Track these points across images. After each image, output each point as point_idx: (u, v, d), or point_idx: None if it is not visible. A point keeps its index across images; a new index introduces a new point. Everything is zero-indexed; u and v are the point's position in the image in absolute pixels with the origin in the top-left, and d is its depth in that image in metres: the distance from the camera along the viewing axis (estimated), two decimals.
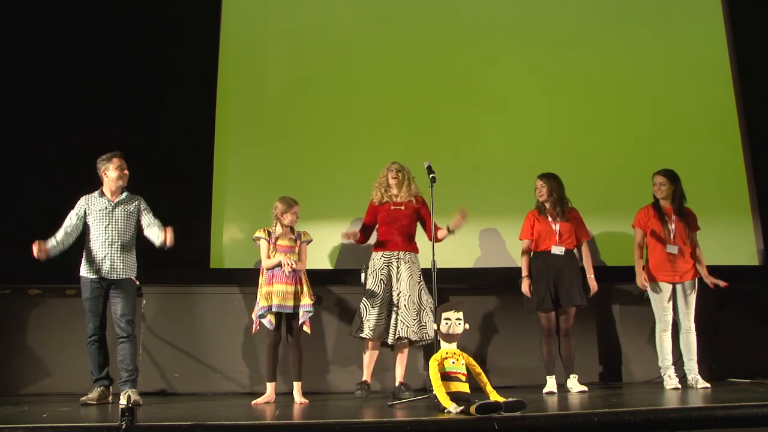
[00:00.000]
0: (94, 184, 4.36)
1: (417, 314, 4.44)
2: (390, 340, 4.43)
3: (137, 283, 4.30)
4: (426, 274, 4.37)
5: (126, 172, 4.31)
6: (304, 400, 4.03)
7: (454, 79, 5.71)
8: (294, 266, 4.11)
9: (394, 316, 4.43)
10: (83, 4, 5.53)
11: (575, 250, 4.75)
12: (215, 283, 5.12)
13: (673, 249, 4.66)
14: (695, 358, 4.63)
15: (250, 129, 5.54)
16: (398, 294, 4.46)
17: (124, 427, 2.76)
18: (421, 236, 4.72)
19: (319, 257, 5.24)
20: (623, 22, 5.96)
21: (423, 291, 4.53)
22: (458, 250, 5.30)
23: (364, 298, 4.51)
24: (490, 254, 5.41)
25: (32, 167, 5.23)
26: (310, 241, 4.37)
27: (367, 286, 4.52)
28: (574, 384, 4.48)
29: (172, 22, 5.59)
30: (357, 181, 5.21)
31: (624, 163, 5.62)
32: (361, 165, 5.27)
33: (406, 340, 4.42)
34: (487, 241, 5.43)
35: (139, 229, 4.32)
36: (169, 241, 4.11)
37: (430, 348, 4.60)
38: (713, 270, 4.82)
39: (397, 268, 4.51)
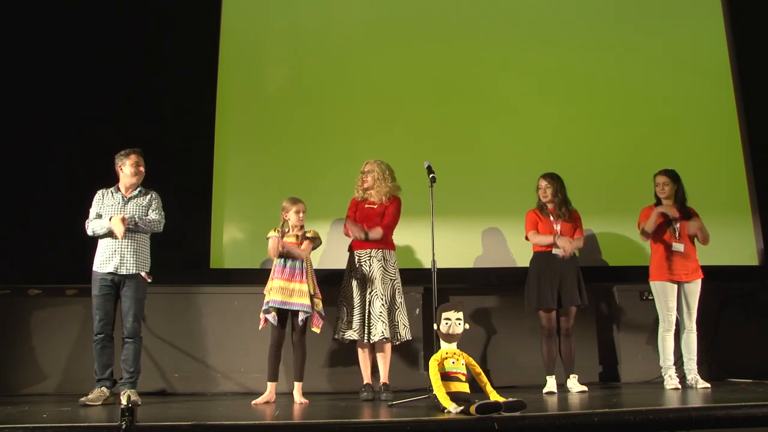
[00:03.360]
0: (93, 185, 4.35)
1: (390, 313, 4.39)
2: (367, 339, 4.38)
3: (149, 280, 4.21)
4: (426, 274, 4.36)
5: (141, 169, 4.28)
6: (304, 400, 4.03)
7: (455, 79, 5.72)
8: (294, 235, 4.15)
9: (368, 315, 4.39)
10: (83, 4, 5.54)
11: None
12: (215, 283, 5.12)
13: (679, 247, 4.64)
14: (695, 358, 4.63)
15: (250, 129, 5.55)
16: (371, 293, 4.42)
17: (124, 427, 2.76)
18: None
19: (320, 257, 5.24)
20: (623, 22, 5.97)
21: (397, 290, 4.48)
22: (458, 250, 5.30)
23: (342, 300, 4.47)
24: (491, 254, 5.41)
25: (31, 169, 5.23)
26: (315, 238, 4.27)
27: (343, 287, 4.50)
28: (574, 384, 4.48)
29: (172, 22, 5.59)
30: (357, 181, 5.21)
31: (624, 164, 5.63)
32: (361, 165, 5.26)
33: (383, 339, 4.36)
34: (487, 241, 5.43)
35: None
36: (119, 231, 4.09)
37: (430, 348, 4.60)
38: (713, 270, 4.82)
39: (370, 266, 4.47)
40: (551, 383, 4.50)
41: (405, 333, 4.44)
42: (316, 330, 4.20)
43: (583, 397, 4.20)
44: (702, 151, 5.73)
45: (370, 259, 4.49)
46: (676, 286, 4.66)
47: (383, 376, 4.41)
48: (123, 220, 4.07)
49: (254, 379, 4.84)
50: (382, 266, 4.46)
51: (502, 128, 5.67)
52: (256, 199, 5.19)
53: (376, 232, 4.48)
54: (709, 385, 4.47)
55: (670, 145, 5.68)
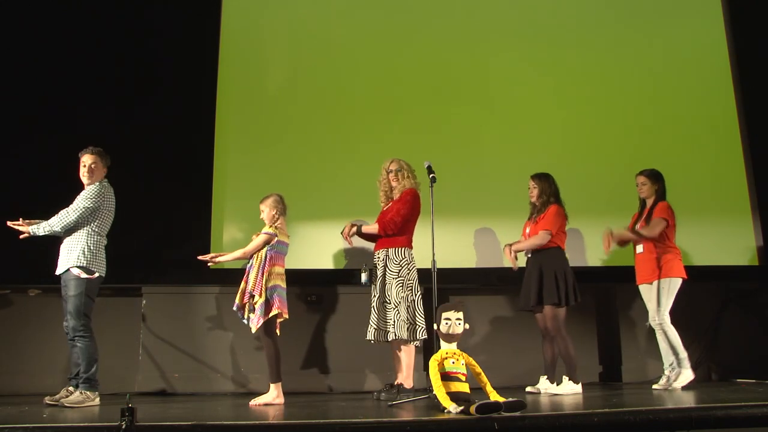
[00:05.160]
0: None
1: (385, 313, 4.37)
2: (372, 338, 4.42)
3: (84, 275, 4.01)
4: (426, 274, 4.36)
5: (82, 169, 4.19)
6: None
7: (454, 79, 5.72)
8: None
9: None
10: (83, 4, 5.54)
11: (557, 249, 4.57)
12: (215, 283, 5.12)
13: (639, 248, 4.69)
14: (674, 354, 4.50)
15: (250, 129, 5.55)
16: (372, 295, 4.47)
17: (124, 427, 2.76)
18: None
19: (320, 257, 5.24)
20: (623, 22, 5.97)
21: (397, 288, 4.37)
22: (458, 250, 5.30)
23: None
24: (490, 254, 5.40)
25: (32, 166, 5.23)
26: (265, 234, 4.17)
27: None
28: (544, 385, 4.48)
29: (171, 21, 5.60)
30: (357, 181, 5.22)
31: (624, 164, 5.60)
32: (361, 165, 5.27)
33: (371, 341, 4.38)
34: (487, 241, 5.43)
35: (98, 215, 4.13)
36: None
37: (430, 348, 4.59)
38: (713, 270, 4.82)
39: (376, 268, 4.51)
40: (541, 383, 4.52)
41: (396, 332, 4.29)
42: (252, 328, 4.00)
43: (584, 397, 4.20)
44: (702, 151, 5.73)
45: (377, 261, 4.53)
46: (649, 286, 4.65)
47: (399, 377, 4.39)
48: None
49: (254, 379, 4.85)
50: (384, 265, 4.46)
51: (502, 128, 5.67)
52: (256, 199, 5.15)
53: (370, 227, 4.52)
54: (681, 386, 4.38)
55: (670, 145, 5.68)
